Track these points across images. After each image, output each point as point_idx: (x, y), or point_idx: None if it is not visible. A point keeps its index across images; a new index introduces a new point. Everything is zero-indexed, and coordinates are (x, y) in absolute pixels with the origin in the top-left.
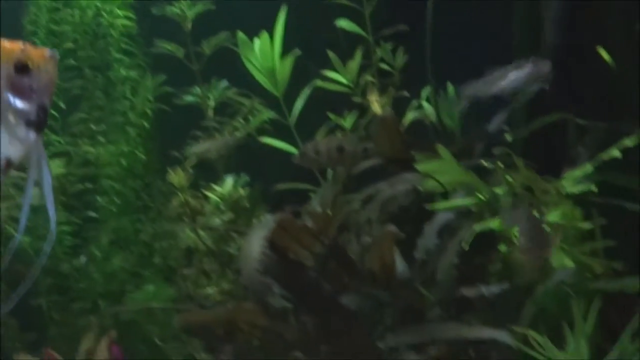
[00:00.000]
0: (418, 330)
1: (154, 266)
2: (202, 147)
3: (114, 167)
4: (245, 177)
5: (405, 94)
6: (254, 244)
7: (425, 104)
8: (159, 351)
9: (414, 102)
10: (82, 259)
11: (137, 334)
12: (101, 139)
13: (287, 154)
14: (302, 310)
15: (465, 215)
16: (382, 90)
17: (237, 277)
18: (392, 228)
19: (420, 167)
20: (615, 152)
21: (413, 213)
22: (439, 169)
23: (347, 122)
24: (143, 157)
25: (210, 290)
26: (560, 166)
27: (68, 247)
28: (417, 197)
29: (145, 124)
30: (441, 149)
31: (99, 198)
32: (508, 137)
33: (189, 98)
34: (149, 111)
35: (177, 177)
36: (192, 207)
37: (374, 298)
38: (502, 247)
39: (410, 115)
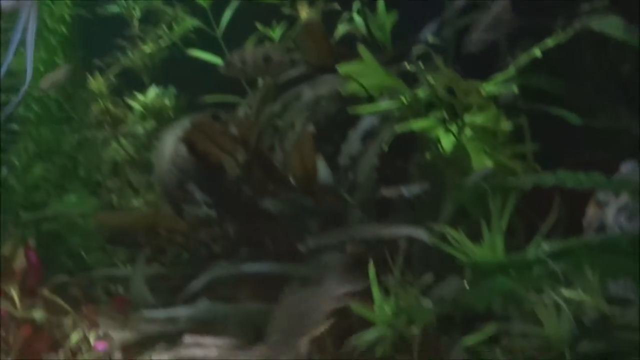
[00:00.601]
0: (337, 233)
1: (77, 178)
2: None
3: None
4: (172, 89)
5: (336, 6)
6: (168, 143)
7: (355, 17)
8: (83, 262)
9: (345, 15)
10: (3, 170)
11: (60, 245)
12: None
13: (215, 66)
14: (223, 214)
15: (389, 120)
16: (312, 2)
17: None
18: (310, 127)
19: (342, 69)
20: (537, 52)
21: (340, 121)
22: (361, 71)
23: (276, 33)
24: (63, 63)
25: (136, 202)
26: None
27: None
28: (343, 104)
29: (64, 30)
30: (363, 52)
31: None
32: (431, 39)
33: (113, 9)
34: (67, 17)
35: (97, 83)
36: (112, 115)
37: (295, 203)
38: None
39: (341, 29)
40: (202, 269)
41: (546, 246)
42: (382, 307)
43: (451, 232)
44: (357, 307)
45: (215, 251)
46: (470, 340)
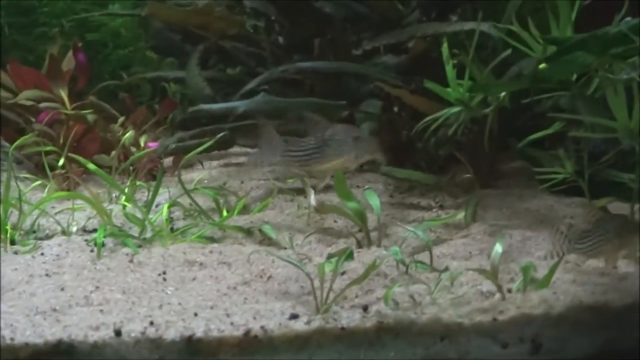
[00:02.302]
0: (397, 33)
1: None
2: None
3: None
4: None
5: None
6: None
7: None
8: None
9: None
10: None
11: (105, 57)
12: None
13: None
14: (277, 14)
15: None
16: None
17: None
18: None
19: None
20: None
21: None
22: None
23: None
24: None
25: None
26: None
27: None
28: None
29: None
30: None
31: None
32: None
33: None
34: None
35: None
36: None
37: (351, 6)
38: None
39: None
40: (255, 75)
41: (630, 21)
42: (456, 85)
43: (517, 29)
44: (430, 84)
45: (267, 58)
46: (536, 136)
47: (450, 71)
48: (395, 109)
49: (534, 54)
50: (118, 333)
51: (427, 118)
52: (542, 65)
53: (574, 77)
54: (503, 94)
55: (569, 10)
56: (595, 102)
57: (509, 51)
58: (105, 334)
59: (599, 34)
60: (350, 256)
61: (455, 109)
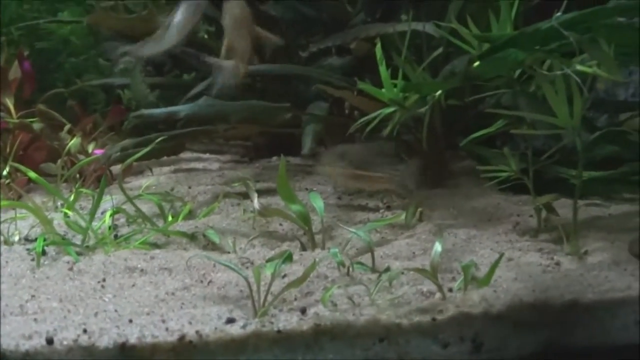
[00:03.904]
0: (341, 35)
1: None
2: None
3: None
4: None
5: None
6: None
7: None
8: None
9: None
10: None
11: (55, 65)
12: None
13: None
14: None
15: None
16: None
17: None
18: None
19: None
20: None
21: None
22: None
23: None
24: None
25: None
26: None
27: None
28: None
29: None
30: None
31: None
32: None
33: None
34: None
35: None
36: None
37: (298, 8)
38: None
39: None
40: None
41: (561, 17)
42: (390, 85)
43: (458, 27)
44: (363, 85)
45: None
46: (478, 134)
47: (384, 71)
48: (347, 111)
49: (473, 52)
50: (50, 341)
51: (362, 119)
52: (476, 64)
53: (516, 74)
54: (438, 92)
55: (509, 8)
56: (536, 99)
57: (440, 50)
58: (37, 342)
59: (530, 31)
60: (289, 259)
61: (389, 110)
